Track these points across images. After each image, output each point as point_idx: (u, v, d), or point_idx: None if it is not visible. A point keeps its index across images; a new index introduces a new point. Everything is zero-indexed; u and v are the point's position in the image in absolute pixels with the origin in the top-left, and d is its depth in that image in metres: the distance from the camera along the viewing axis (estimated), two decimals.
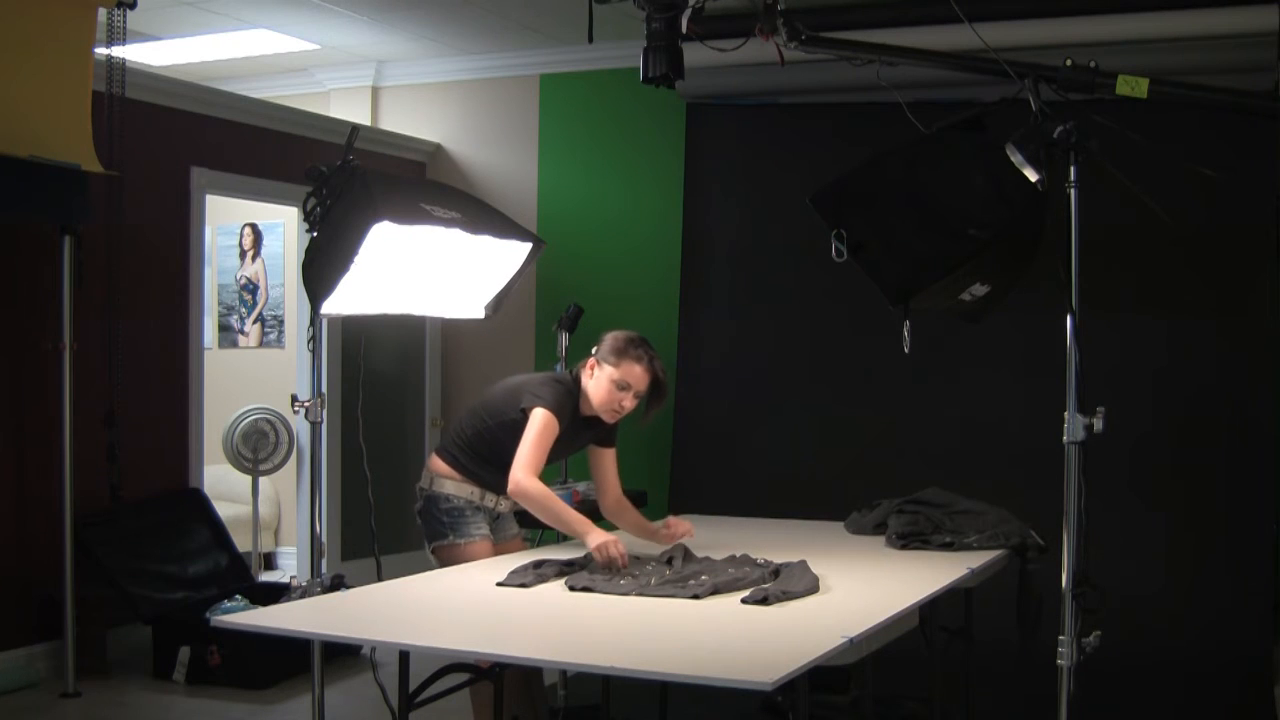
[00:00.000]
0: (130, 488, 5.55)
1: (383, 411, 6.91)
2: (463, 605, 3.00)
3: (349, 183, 3.38)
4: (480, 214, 3.77)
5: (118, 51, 5.35)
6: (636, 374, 3.66)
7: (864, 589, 3.16)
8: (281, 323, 8.26)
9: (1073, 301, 3.03)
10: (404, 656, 2.98)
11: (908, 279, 3.49)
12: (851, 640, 2.48)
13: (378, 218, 3.28)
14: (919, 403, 5.94)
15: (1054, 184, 3.08)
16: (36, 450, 5.32)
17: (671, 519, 3.84)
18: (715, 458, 6.33)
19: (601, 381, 3.68)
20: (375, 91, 7.64)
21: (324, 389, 3.54)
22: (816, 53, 3.73)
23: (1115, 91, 3.48)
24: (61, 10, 4.93)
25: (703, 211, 6.57)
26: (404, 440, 7.24)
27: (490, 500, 3.74)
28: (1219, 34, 5.29)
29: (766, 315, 6.36)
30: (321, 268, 3.38)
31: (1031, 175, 3.05)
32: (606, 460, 3.91)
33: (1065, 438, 3.00)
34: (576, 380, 3.76)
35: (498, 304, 4.02)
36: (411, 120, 7.56)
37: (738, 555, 3.38)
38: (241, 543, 6.46)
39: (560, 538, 4.51)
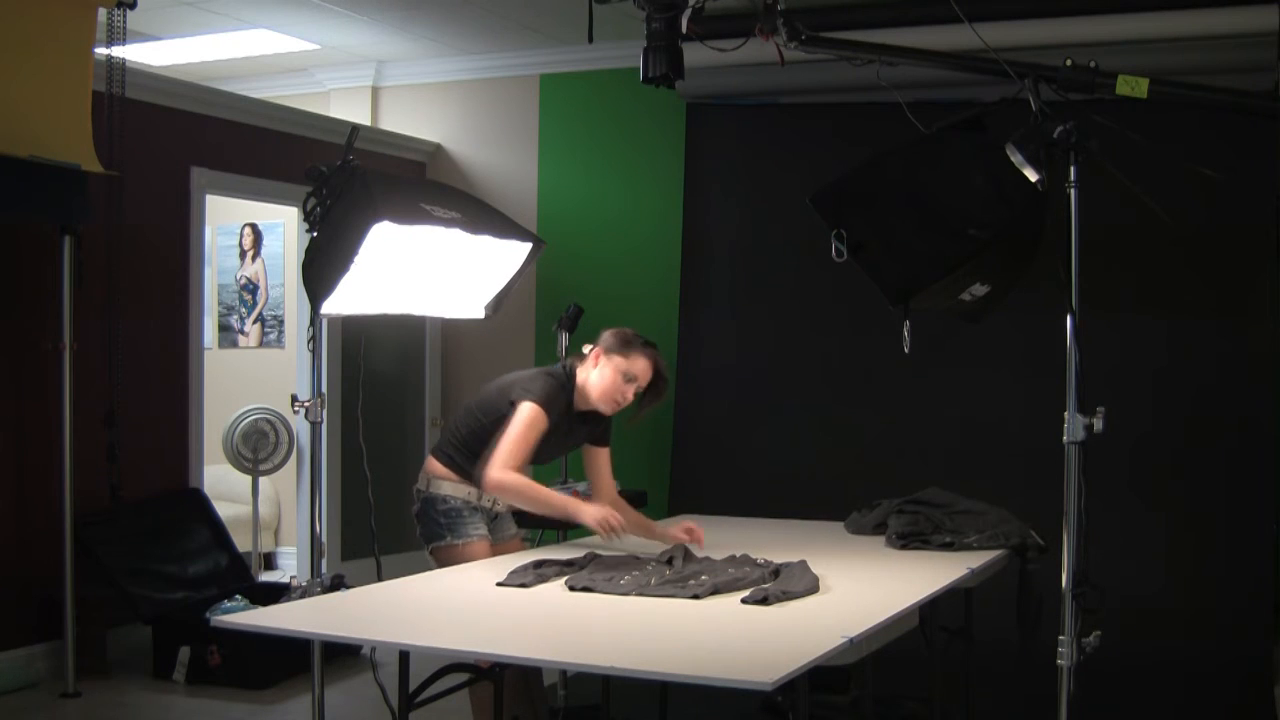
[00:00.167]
0: (130, 488, 5.54)
1: (383, 411, 6.91)
2: (463, 605, 3.00)
3: (349, 183, 3.38)
4: (480, 214, 3.78)
5: (118, 51, 5.35)
6: (642, 366, 3.70)
7: (864, 589, 3.16)
8: (281, 323, 8.26)
9: (1073, 301, 3.03)
10: (404, 656, 2.98)
11: (908, 279, 3.49)
12: (851, 640, 2.48)
13: (378, 218, 3.28)
14: (919, 403, 5.94)
15: (1054, 184, 3.08)
16: (36, 450, 5.32)
17: (690, 524, 3.81)
18: (715, 458, 6.33)
19: (608, 372, 3.69)
20: (375, 91, 7.64)
21: (324, 389, 3.54)
22: (816, 53, 3.73)
23: (1115, 91, 3.48)
24: (61, 10, 4.93)
25: (703, 211, 6.57)
26: (404, 440, 7.24)
27: (488, 500, 3.74)
28: (1219, 34, 5.30)
29: (766, 315, 6.36)
30: (321, 268, 3.38)
31: (1031, 175, 3.05)
32: (601, 460, 3.92)
33: (1065, 438, 3.00)
34: (570, 375, 3.76)
35: (498, 304, 4.02)
36: (411, 120, 7.56)
37: (738, 555, 3.38)
38: (241, 543, 6.46)
39: (560, 537, 4.52)
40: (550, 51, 7.07)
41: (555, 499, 3.60)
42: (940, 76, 4.10)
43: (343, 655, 5.33)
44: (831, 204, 3.61)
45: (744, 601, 2.86)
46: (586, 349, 3.80)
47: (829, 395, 6.16)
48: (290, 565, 7.90)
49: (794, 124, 6.30)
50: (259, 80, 7.63)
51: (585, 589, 3.03)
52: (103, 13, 5.19)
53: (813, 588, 3.00)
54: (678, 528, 3.79)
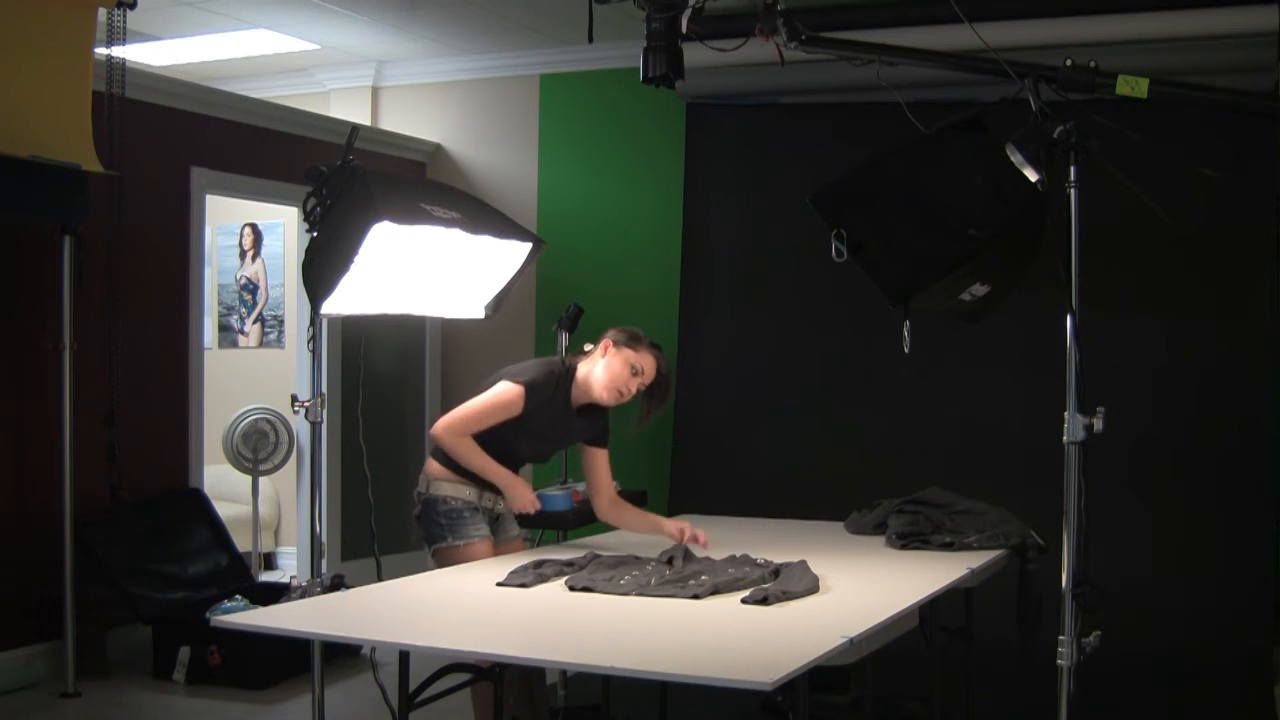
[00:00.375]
0: (130, 488, 5.54)
1: (383, 411, 6.91)
2: (463, 605, 3.00)
3: (349, 183, 3.38)
4: (480, 214, 3.78)
5: (118, 51, 5.35)
6: (649, 362, 3.73)
7: (864, 589, 3.16)
8: (281, 323, 8.26)
9: (1073, 301, 3.03)
10: (404, 656, 2.98)
11: (908, 279, 3.49)
12: (851, 640, 2.48)
13: (378, 218, 3.28)
14: (919, 403, 5.94)
15: (1054, 184, 3.08)
16: (36, 450, 5.32)
17: (689, 527, 3.81)
18: (715, 458, 6.33)
19: (616, 362, 3.71)
20: (375, 91, 7.64)
21: (324, 389, 3.54)
22: (816, 53, 3.73)
23: (1115, 91, 3.48)
24: (61, 10, 4.93)
25: (703, 211, 6.57)
26: (404, 440, 7.24)
27: (489, 500, 3.74)
28: (1219, 34, 5.29)
29: (766, 315, 6.36)
30: (321, 268, 3.38)
31: (1031, 175, 3.05)
32: (599, 461, 3.91)
33: (1065, 438, 3.00)
34: (569, 369, 3.77)
35: (498, 304, 4.02)
36: (411, 120, 7.56)
37: (738, 555, 3.38)
38: (241, 543, 6.46)
39: (560, 537, 4.53)
40: (550, 51, 7.07)
41: (492, 468, 3.67)
42: (940, 76, 4.10)
43: (343, 655, 5.33)
44: (831, 204, 3.61)
45: (744, 601, 2.86)
46: (589, 347, 3.81)
47: (829, 395, 6.16)
48: (290, 565, 7.91)
49: (794, 124, 6.30)
50: (259, 80, 7.63)
51: (585, 589, 3.03)
52: (103, 13, 5.19)
53: (813, 588, 3.00)
54: (680, 527, 3.79)
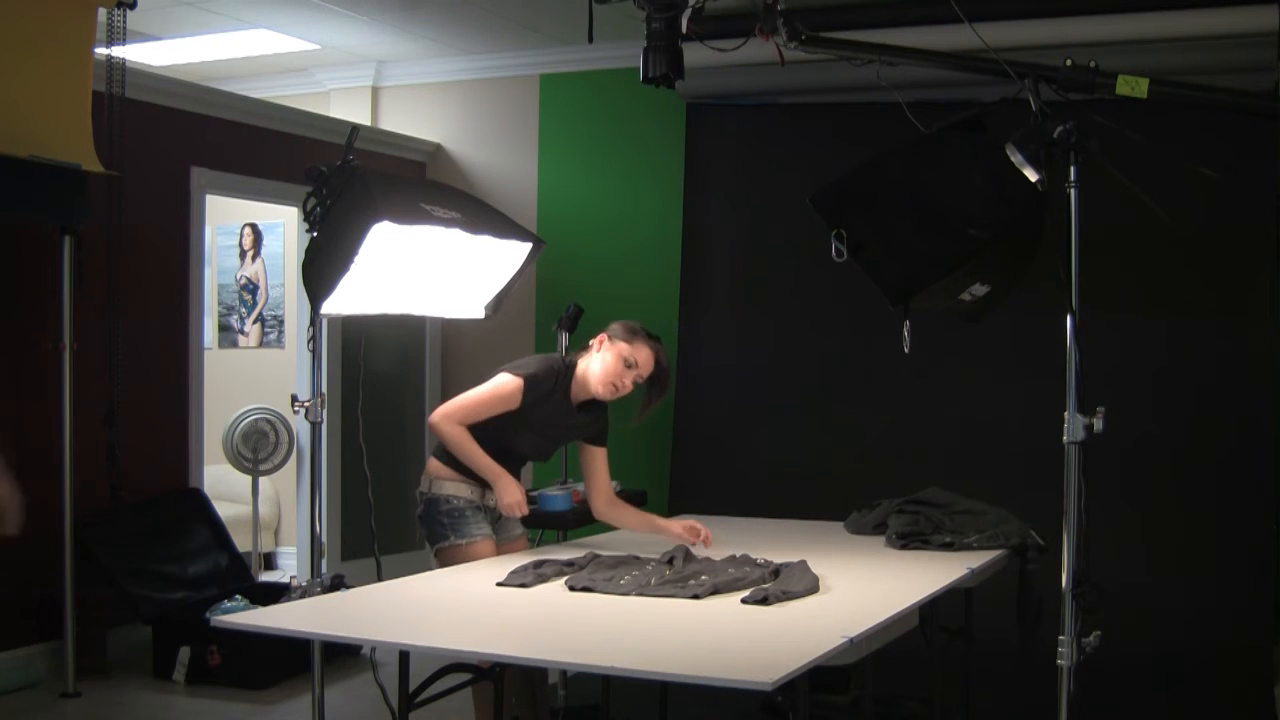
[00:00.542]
0: (130, 488, 5.54)
1: (383, 411, 6.91)
2: (463, 605, 3.00)
3: (349, 183, 3.38)
4: (480, 214, 3.78)
5: (118, 51, 5.35)
6: (645, 356, 3.73)
7: (864, 589, 3.16)
8: (281, 323, 8.26)
9: (1073, 301, 3.03)
10: (404, 656, 2.98)
11: (908, 279, 3.49)
12: (851, 640, 2.48)
13: (378, 218, 3.29)
14: (919, 403, 5.94)
15: (1054, 184, 3.08)
16: (36, 450, 5.32)
17: (694, 524, 3.82)
18: (715, 458, 6.33)
19: (610, 356, 3.72)
20: (375, 91, 7.64)
21: (324, 389, 3.54)
22: (816, 53, 3.73)
23: (1115, 91, 3.48)
24: (61, 10, 4.93)
25: (703, 211, 6.57)
26: (404, 440, 7.24)
27: (491, 499, 3.74)
28: (1219, 34, 5.29)
29: (766, 315, 6.36)
30: (321, 268, 3.38)
31: (1031, 175, 3.05)
32: (597, 459, 3.91)
33: (1065, 438, 3.00)
34: (570, 365, 3.78)
35: (498, 304, 4.02)
36: (411, 120, 7.56)
37: (738, 555, 3.38)
38: (241, 543, 6.46)
39: (560, 537, 4.53)
40: (550, 51, 7.07)
41: (483, 461, 3.64)
42: (940, 76, 4.10)
43: (343, 655, 5.33)
44: (831, 204, 3.61)
45: (744, 601, 2.86)
46: (592, 342, 3.82)
47: (829, 395, 6.16)
48: (290, 565, 7.90)
49: (794, 124, 6.30)
50: (259, 80, 7.63)
51: (585, 589, 3.03)
52: (103, 13, 5.19)
53: (813, 588, 3.00)
54: (682, 525, 3.79)
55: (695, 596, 2.91)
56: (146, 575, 5.48)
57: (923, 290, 3.48)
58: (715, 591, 2.95)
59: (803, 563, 3.20)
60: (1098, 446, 3.01)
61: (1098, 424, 2.98)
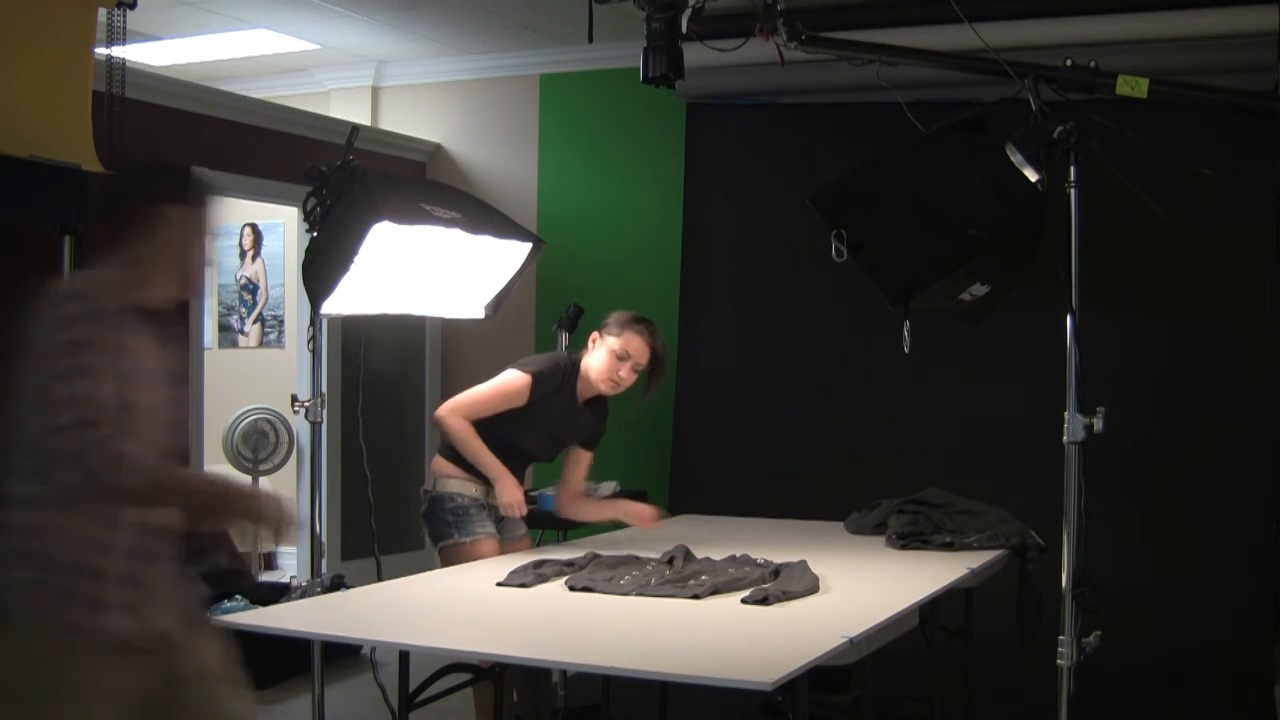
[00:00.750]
0: None
1: (383, 411, 6.91)
2: (463, 605, 3.00)
3: (349, 183, 3.39)
4: (480, 214, 3.78)
5: (118, 51, 5.34)
6: (637, 345, 3.75)
7: (864, 589, 3.17)
8: (281, 323, 8.26)
9: (1073, 301, 3.03)
10: (404, 656, 2.98)
11: (908, 279, 3.49)
12: (851, 640, 2.48)
13: (378, 218, 3.29)
14: (919, 403, 5.94)
15: (1054, 184, 3.08)
16: None
17: (632, 504, 3.95)
18: (715, 457, 6.33)
19: (602, 352, 3.75)
20: (375, 91, 7.64)
21: (324, 389, 3.55)
22: (816, 53, 3.74)
23: (1115, 91, 3.48)
24: (61, 10, 4.93)
25: (703, 211, 6.57)
26: (404, 440, 7.24)
27: (495, 497, 3.75)
28: (1219, 34, 5.29)
29: (766, 315, 6.36)
30: (321, 268, 3.38)
31: (1031, 175, 3.06)
32: (582, 460, 4.01)
33: (1065, 438, 3.00)
34: (575, 363, 3.80)
35: (498, 304, 4.02)
36: (411, 120, 7.55)
37: (738, 555, 3.38)
38: (241, 543, 6.46)
39: (560, 537, 4.53)
40: (550, 51, 7.07)
41: (486, 458, 3.65)
42: (940, 76, 4.10)
43: (343, 655, 5.33)
44: (831, 204, 3.61)
45: (744, 601, 2.86)
46: (589, 340, 3.85)
47: (829, 395, 6.16)
48: (290, 565, 7.90)
49: (794, 124, 6.30)
50: (259, 80, 7.62)
51: (585, 589, 3.03)
52: (103, 13, 5.19)
53: (813, 588, 3.00)
54: (631, 507, 3.88)
55: (695, 596, 2.91)
56: None
57: (923, 290, 3.48)
58: (715, 591, 2.95)
59: (803, 563, 3.20)
60: (1098, 446, 3.01)
61: (1098, 424, 2.98)
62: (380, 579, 3.34)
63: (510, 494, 3.65)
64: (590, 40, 3.90)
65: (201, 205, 2.49)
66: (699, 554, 3.45)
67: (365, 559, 4.91)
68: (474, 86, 7.43)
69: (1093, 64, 3.47)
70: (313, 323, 3.48)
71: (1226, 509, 5.50)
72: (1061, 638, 2.96)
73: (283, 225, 8.16)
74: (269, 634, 2.72)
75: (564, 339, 5.40)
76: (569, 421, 3.83)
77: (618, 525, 4.10)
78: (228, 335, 8.43)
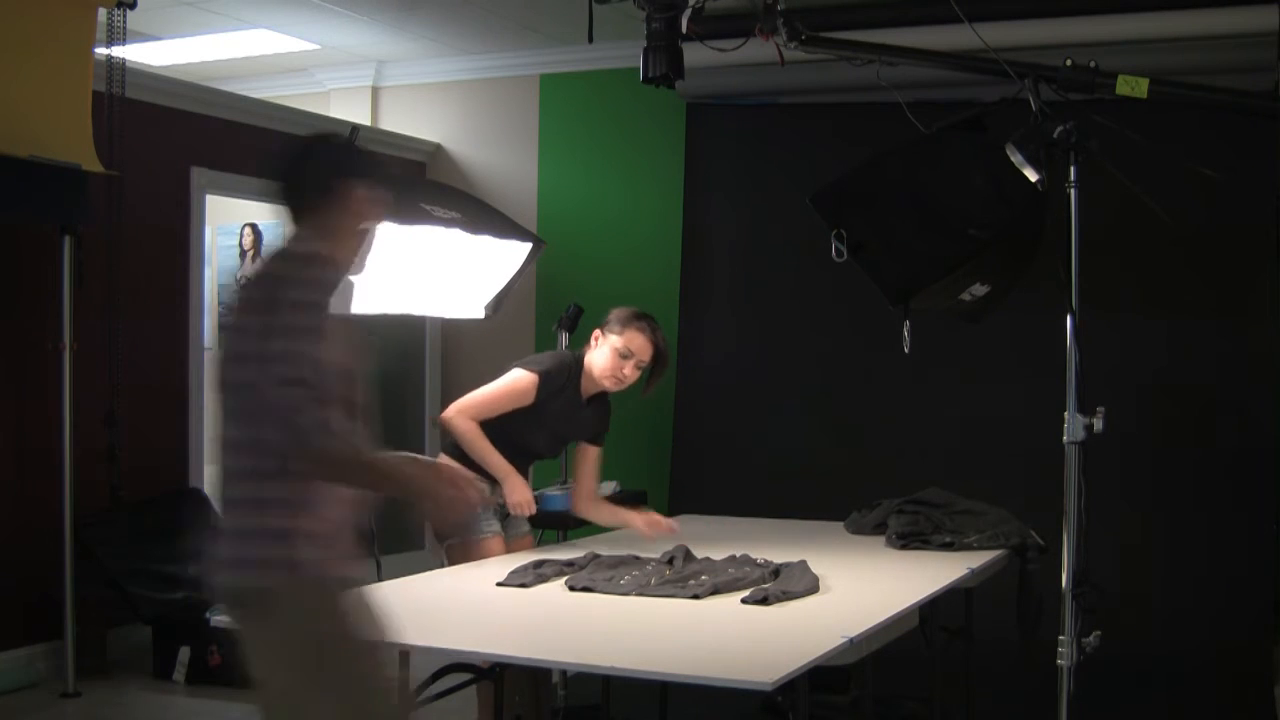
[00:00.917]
0: (130, 488, 5.54)
1: (383, 411, 6.90)
2: (463, 605, 3.00)
3: None
4: (480, 214, 3.79)
5: (118, 51, 5.35)
6: (639, 343, 3.76)
7: (864, 589, 3.17)
8: None
9: (1073, 301, 3.03)
10: (404, 656, 2.98)
11: (908, 279, 3.49)
12: (851, 640, 2.48)
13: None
14: (919, 403, 5.94)
15: (1054, 184, 3.08)
16: (36, 450, 5.32)
17: (655, 515, 3.91)
18: (715, 457, 6.33)
19: (605, 350, 3.76)
20: (375, 91, 7.64)
21: None
22: (816, 53, 3.74)
23: (1115, 91, 3.48)
24: (61, 10, 4.93)
25: (703, 211, 6.57)
26: (404, 440, 7.24)
27: (501, 496, 3.75)
28: (1219, 34, 5.29)
29: (766, 315, 6.36)
30: None
31: (1031, 175, 3.06)
32: (591, 457, 3.99)
33: (1065, 438, 3.00)
34: (579, 361, 3.81)
35: (497, 304, 4.03)
36: (411, 120, 7.55)
37: (738, 555, 3.38)
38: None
39: (560, 537, 4.53)
40: (550, 51, 7.07)
41: (494, 458, 3.66)
42: (940, 76, 4.10)
43: None
44: (831, 204, 3.61)
45: (744, 601, 2.86)
46: (591, 337, 3.85)
47: (829, 395, 6.16)
48: None
49: (794, 124, 6.30)
50: (259, 80, 7.62)
51: (585, 589, 3.03)
52: (103, 13, 5.19)
53: (813, 588, 3.00)
54: (644, 518, 3.86)
55: (695, 596, 2.91)
56: (146, 575, 5.48)
57: (923, 290, 3.48)
58: (715, 591, 2.95)
59: (803, 563, 3.20)
60: (1098, 446, 3.01)
61: (1098, 424, 2.98)
62: (380, 579, 3.33)
63: (519, 493, 3.66)
64: (590, 40, 3.90)
65: (389, 189, 2.48)
66: (699, 554, 3.45)
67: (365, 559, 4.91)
68: (474, 86, 7.43)
69: (1093, 64, 3.47)
70: None
71: (1226, 509, 5.50)
72: (1061, 638, 2.97)
73: (283, 225, 8.15)
74: None
75: (564, 339, 5.40)
76: (573, 419, 3.84)
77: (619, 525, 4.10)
78: None
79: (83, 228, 5.18)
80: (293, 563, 2.26)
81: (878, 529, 4.06)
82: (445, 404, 7.20)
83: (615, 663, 2.38)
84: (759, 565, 3.24)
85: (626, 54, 4.41)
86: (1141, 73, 3.53)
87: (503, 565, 3.35)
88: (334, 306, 2.30)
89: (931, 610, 3.26)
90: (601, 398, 3.91)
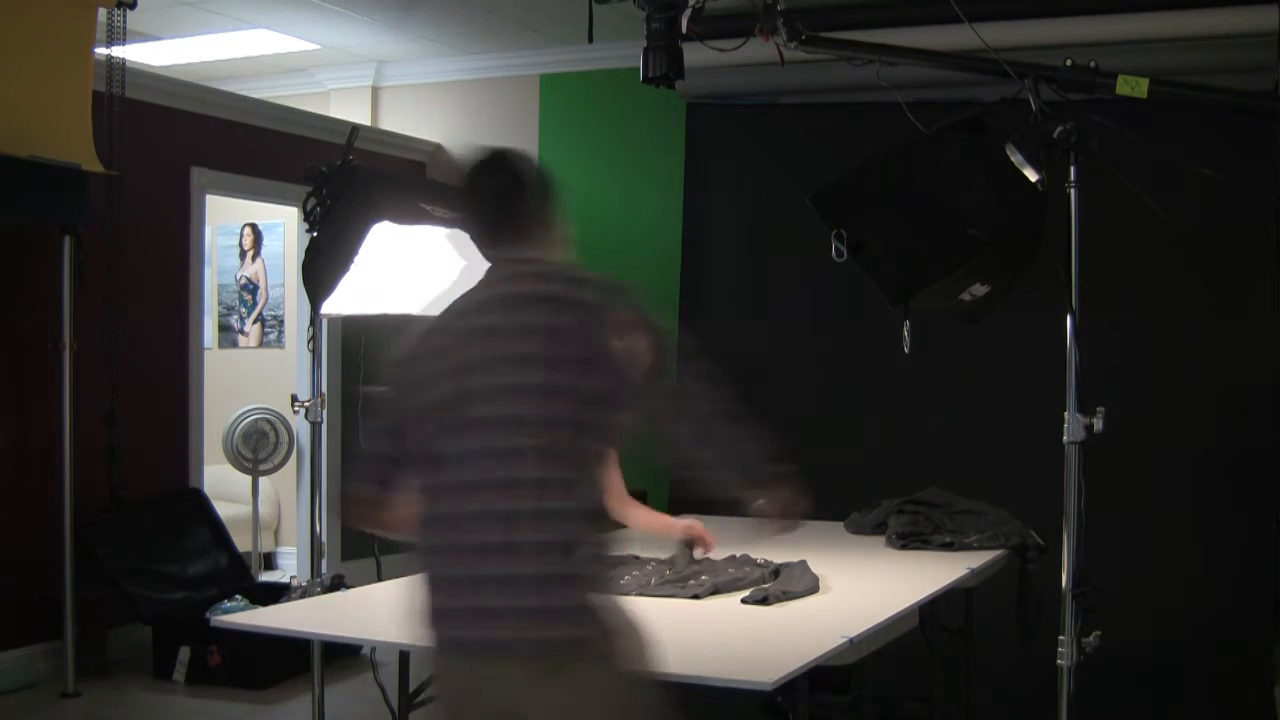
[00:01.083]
0: (130, 488, 5.55)
1: None
2: None
3: (349, 183, 3.39)
4: None
5: (118, 51, 5.35)
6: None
7: (864, 589, 3.17)
8: (281, 323, 8.25)
9: (1073, 301, 3.03)
10: (404, 656, 2.98)
11: (908, 279, 3.49)
12: (851, 640, 2.48)
13: (378, 218, 3.29)
14: (919, 403, 5.93)
15: (1054, 184, 3.08)
16: (36, 450, 5.32)
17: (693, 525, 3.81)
18: None
19: None
20: (375, 91, 7.64)
21: (324, 389, 3.54)
22: (816, 53, 3.73)
23: (1115, 91, 3.48)
24: (61, 10, 4.93)
25: (703, 211, 6.56)
26: None
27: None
28: (1219, 34, 5.29)
29: (766, 315, 6.36)
30: (321, 268, 3.39)
31: (1031, 175, 3.06)
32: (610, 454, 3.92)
33: (1065, 438, 3.00)
34: None
35: None
36: (411, 120, 7.55)
37: (738, 555, 3.38)
38: (241, 543, 6.45)
39: None
40: (550, 51, 7.07)
41: (658, 519, 3.60)
42: (940, 76, 4.09)
43: (343, 655, 5.32)
44: (831, 204, 3.61)
45: (744, 601, 2.86)
46: None
47: (828, 395, 6.15)
48: (290, 565, 7.90)
49: (794, 124, 6.30)
50: (259, 80, 7.62)
51: None
52: (103, 13, 5.19)
53: (813, 588, 3.00)
54: (683, 525, 3.79)
55: (695, 596, 2.91)
56: (146, 575, 5.48)
57: (923, 290, 3.48)
58: (715, 591, 2.95)
59: (803, 563, 3.20)
60: (1098, 446, 3.01)
61: (1098, 424, 2.98)
62: (380, 579, 3.33)
63: (697, 528, 3.58)
64: (590, 40, 3.90)
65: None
66: (698, 554, 3.45)
67: (365, 559, 4.90)
68: (474, 86, 7.43)
69: (1093, 64, 3.47)
70: (313, 323, 3.48)
71: (1226, 509, 5.50)
72: (1061, 638, 2.96)
73: (283, 225, 8.15)
74: (269, 634, 2.72)
75: None
76: None
77: (618, 525, 4.08)
78: (228, 335, 8.43)
79: (83, 227, 5.19)
80: (606, 608, 2.17)
81: (878, 529, 4.06)
82: None
83: None
84: (759, 565, 3.24)
85: (626, 54, 4.41)
86: (1141, 73, 3.52)
87: None
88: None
89: (931, 610, 3.26)
90: None
